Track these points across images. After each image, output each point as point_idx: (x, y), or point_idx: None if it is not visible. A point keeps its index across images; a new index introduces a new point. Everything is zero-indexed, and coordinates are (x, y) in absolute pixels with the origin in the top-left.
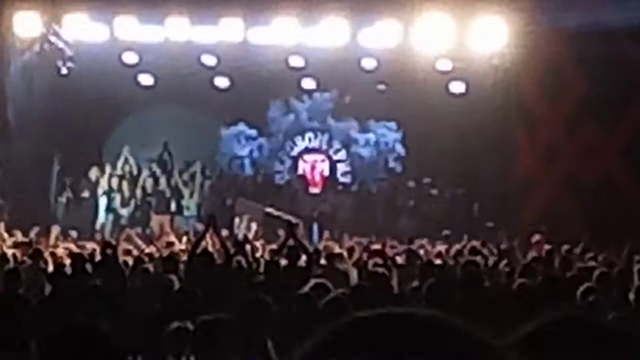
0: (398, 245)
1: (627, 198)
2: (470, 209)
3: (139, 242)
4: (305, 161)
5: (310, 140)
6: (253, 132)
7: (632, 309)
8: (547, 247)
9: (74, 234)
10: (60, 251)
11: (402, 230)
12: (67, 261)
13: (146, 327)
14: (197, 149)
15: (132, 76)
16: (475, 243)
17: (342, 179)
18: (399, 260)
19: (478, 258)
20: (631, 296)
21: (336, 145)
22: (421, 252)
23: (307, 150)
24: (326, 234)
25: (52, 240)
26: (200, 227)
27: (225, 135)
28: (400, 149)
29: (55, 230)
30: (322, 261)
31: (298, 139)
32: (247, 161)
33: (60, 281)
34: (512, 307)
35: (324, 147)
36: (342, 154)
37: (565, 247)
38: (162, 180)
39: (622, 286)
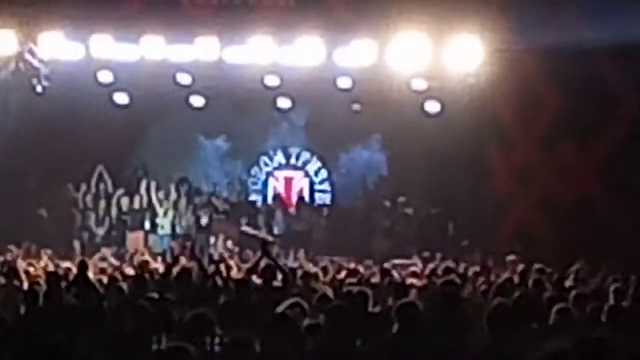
0: (373, 265)
1: (603, 218)
2: (446, 228)
3: (114, 261)
4: (279, 179)
5: (288, 157)
6: (228, 149)
7: (606, 329)
8: (521, 266)
9: (52, 251)
10: (35, 270)
11: (377, 250)
12: (43, 280)
13: (120, 347)
14: (173, 168)
15: (108, 95)
16: (450, 263)
17: (320, 199)
18: (373, 279)
19: (454, 277)
20: (603, 317)
21: (315, 163)
22: (395, 272)
23: (283, 167)
24: (301, 253)
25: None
26: (175, 245)
27: (201, 153)
28: (376, 168)
29: (30, 249)
30: (298, 280)
31: (275, 156)
32: (222, 179)
33: (35, 300)
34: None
35: (301, 164)
36: (322, 173)
37: (539, 266)
38: (137, 199)
39: (597, 306)
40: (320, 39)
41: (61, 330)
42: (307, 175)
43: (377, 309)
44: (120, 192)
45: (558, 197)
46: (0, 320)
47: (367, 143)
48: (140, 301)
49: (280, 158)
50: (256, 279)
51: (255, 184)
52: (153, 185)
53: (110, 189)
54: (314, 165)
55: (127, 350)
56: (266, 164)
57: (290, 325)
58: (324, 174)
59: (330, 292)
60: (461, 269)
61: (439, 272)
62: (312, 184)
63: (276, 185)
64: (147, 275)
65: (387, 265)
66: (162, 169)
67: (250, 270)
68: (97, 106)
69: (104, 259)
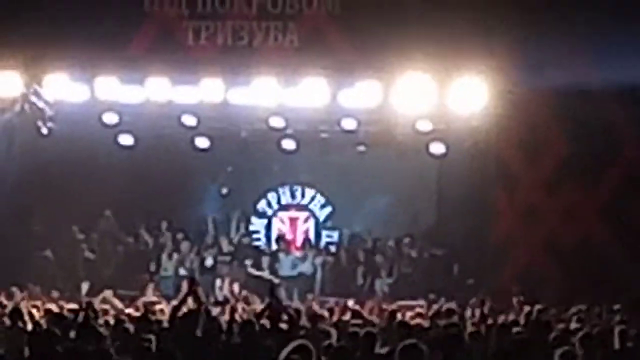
0: (376, 306)
1: (607, 259)
2: (450, 269)
3: (118, 303)
4: (283, 220)
5: (293, 195)
6: (232, 190)
7: None
8: (526, 308)
9: (58, 292)
10: (40, 311)
11: (381, 290)
12: (47, 322)
13: None
14: (177, 209)
15: (113, 136)
16: (452, 305)
17: (326, 237)
18: (377, 320)
19: (456, 319)
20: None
21: (320, 199)
22: (399, 313)
23: (288, 207)
24: (306, 294)
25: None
26: (184, 285)
27: (205, 194)
28: (379, 209)
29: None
30: (303, 321)
31: (279, 195)
32: (226, 221)
33: (39, 342)
34: None
35: (306, 202)
36: (327, 209)
37: (542, 307)
38: (141, 241)
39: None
40: (325, 80)
41: None
42: (312, 214)
43: (383, 350)
44: (126, 232)
45: (562, 238)
46: None
47: (372, 186)
48: (144, 342)
49: (284, 197)
50: (262, 321)
51: (258, 221)
52: (158, 226)
53: (116, 231)
54: (319, 202)
55: None
56: (270, 205)
57: None
58: (328, 209)
59: (335, 334)
60: (467, 312)
61: (442, 313)
62: (317, 223)
63: (280, 226)
64: (151, 317)
65: (392, 306)
66: (167, 210)
67: (259, 313)
68: (102, 147)
69: (106, 301)
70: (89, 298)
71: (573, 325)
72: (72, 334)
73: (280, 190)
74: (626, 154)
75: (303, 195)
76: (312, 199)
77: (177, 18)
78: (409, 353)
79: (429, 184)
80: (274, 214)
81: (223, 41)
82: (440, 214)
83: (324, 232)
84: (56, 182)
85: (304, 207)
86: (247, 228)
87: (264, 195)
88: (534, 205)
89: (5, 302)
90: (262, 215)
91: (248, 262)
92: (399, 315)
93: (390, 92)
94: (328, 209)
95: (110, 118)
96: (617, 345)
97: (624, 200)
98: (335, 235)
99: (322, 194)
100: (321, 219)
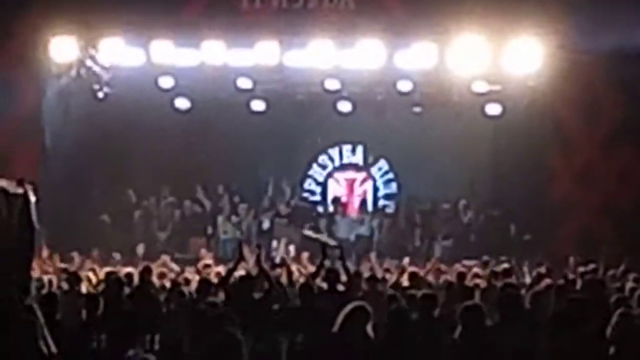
0: (434, 268)
1: None
2: (507, 230)
3: (175, 266)
4: (339, 181)
5: (351, 154)
6: (288, 152)
7: None
8: (582, 269)
9: (115, 256)
10: (97, 276)
11: (438, 252)
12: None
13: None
14: (234, 172)
15: (169, 100)
16: (509, 264)
17: (384, 201)
18: (435, 282)
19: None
20: None
21: (381, 163)
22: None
23: (345, 167)
24: (364, 257)
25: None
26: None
27: (262, 157)
28: (436, 171)
29: (92, 254)
30: (361, 284)
31: (336, 155)
32: (283, 183)
33: (96, 306)
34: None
35: (365, 164)
36: (388, 175)
37: (596, 267)
38: (199, 204)
39: None
40: (380, 42)
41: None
42: (369, 175)
43: (443, 312)
44: (182, 196)
45: (618, 200)
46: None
47: (428, 147)
48: (201, 306)
49: (340, 158)
50: (320, 284)
51: (314, 183)
52: (214, 189)
53: (172, 193)
54: (375, 163)
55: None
56: (325, 166)
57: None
58: (385, 171)
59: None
60: (524, 272)
61: (499, 274)
62: (374, 185)
63: (336, 188)
64: (208, 280)
65: (449, 268)
66: (223, 173)
67: (313, 274)
68: (158, 111)
69: (164, 265)
70: (146, 262)
71: (629, 285)
72: (129, 298)
73: (336, 150)
74: None
75: (359, 156)
76: (369, 160)
77: None
78: (470, 314)
79: (485, 145)
80: (330, 175)
81: (278, 4)
82: (497, 175)
83: (381, 194)
84: (112, 146)
85: (361, 168)
86: (303, 190)
87: (319, 156)
88: (590, 167)
89: (63, 266)
90: (317, 176)
91: (305, 224)
92: (456, 277)
93: (446, 54)
94: (385, 171)
95: (166, 82)
96: None
97: None
98: (392, 197)
99: (379, 155)
100: (378, 180)
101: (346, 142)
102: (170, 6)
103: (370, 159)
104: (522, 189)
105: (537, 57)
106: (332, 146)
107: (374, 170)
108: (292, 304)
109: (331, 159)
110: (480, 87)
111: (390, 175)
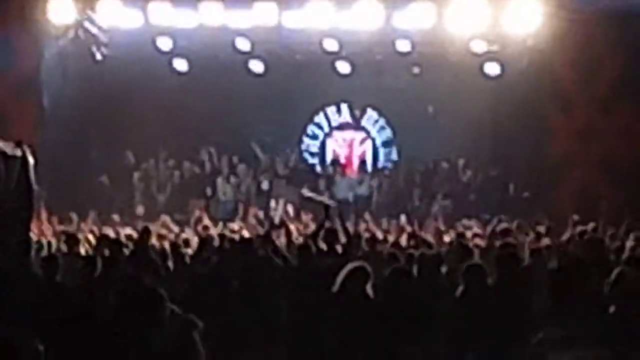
0: (433, 227)
1: None
2: (506, 189)
3: (175, 227)
4: (338, 141)
5: (350, 114)
6: (286, 112)
7: None
8: (581, 228)
9: (114, 218)
10: (96, 237)
11: (437, 212)
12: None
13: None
14: (233, 133)
15: (167, 61)
16: (508, 224)
17: (383, 160)
18: (434, 242)
19: (512, 239)
20: None
21: (379, 120)
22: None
23: (344, 127)
24: (363, 217)
25: (88, 226)
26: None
27: (259, 118)
28: (435, 131)
29: (91, 216)
30: (360, 244)
31: (334, 114)
32: (281, 143)
33: (94, 268)
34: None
35: (363, 123)
36: (386, 133)
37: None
38: (197, 165)
39: None
40: (379, 2)
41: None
42: (368, 135)
43: (443, 271)
44: (181, 157)
45: (618, 158)
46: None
47: (426, 107)
48: (198, 267)
49: (338, 117)
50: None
51: (311, 142)
52: (213, 151)
53: (171, 155)
54: (374, 123)
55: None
56: (323, 126)
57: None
58: (384, 131)
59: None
60: (523, 231)
61: (498, 233)
62: (373, 145)
63: (335, 147)
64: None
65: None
66: (222, 134)
67: (313, 235)
68: (157, 73)
69: (164, 225)
70: (146, 223)
71: (629, 244)
72: (128, 260)
73: (335, 110)
74: None
75: (358, 116)
76: (368, 119)
77: None
78: (472, 273)
79: (484, 105)
80: (329, 135)
81: None
82: (496, 134)
83: (380, 154)
84: (111, 108)
85: (360, 128)
86: (301, 151)
87: (317, 115)
88: (589, 125)
89: (62, 228)
90: (316, 136)
91: (304, 185)
92: (456, 236)
93: (444, 13)
94: (383, 131)
95: (164, 43)
96: None
97: None
98: (391, 157)
99: (378, 115)
100: (377, 140)
101: (345, 102)
102: None
103: (367, 114)
104: (521, 148)
105: (537, 16)
106: (330, 106)
107: (372, 130)
108: (291, 264)
109: (329, 119)
110: (479, 46)
111: (389, 135)
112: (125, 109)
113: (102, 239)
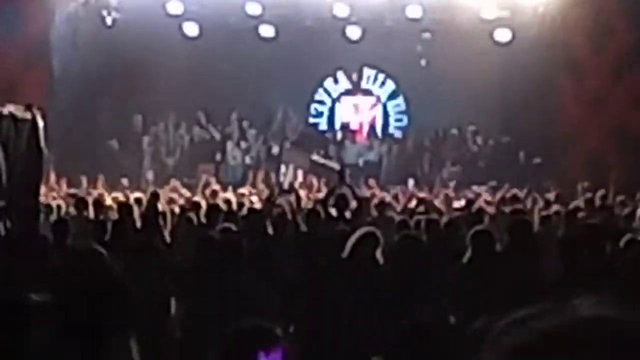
0: (442, 193)
1: None
2: (516, 156)
3: (185, 191)
4: (348, 106)
5: (360, 78)
6: (296, 77)
7: None
8: (591, 194)
9: (123, 182)
10: (106, 201)
11: (446, 178)
12: (114, 211)
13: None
14: (242, 98)
15: (177, 26)
16: (518, 191)
17: (393, 127)
18: (443, 207)
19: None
20: None
21: (386, 86)
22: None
23: (353, 91)
24: (372, 182)
25: (99, 189)
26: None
27: (269, 83)
28: (445, 97)
29: (100, 180)
30: (370, 209)
31: (343, 78)
32: (291, 108)
33: (104, 231)
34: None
35: (373, 87)
36: (397, 99)
37: (606, 194)
38: (207, 129)
39: None
40: None
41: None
42: (378, 100)
43: (451, 237)
44: (191, 122)
45: (629, 126)
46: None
47: (437, 74)
48: (209, 232)
49: (348, 81)
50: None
51: (320, 106)
52: (224, 115)
53: (180, 120)
54: (385, 88)
55: (191, 283)
56: (332, 91)
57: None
58: (394, 96)
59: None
60: (533, 198)
61: (507, 200)
62: (383, 110)
63: (344, 113)
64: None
65: (458, 194)
66: (232, 99)
67: (323, 200)
68: (167, 37)
69: (174, 190)
70: (155, 187)
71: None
72: (138, 223)
73: (343, 75)
74: None
75: (368, 81)
76: (378, 85)
77: None
78: (480, 239)
79: (495, 72)
80: (338, 100)
81: None
82: (506, 101)
83: (390, 120)
84: (121, 72)
85: (370, 93)
86: (310, 115)
87: (327, 80)
88: (600, 93)
89: (72, 191)
90: (325, 101)
91: (313, 150)
92: (465, 203)
93: None
94: (393, 97)
95: (175, 7)
96: None
97: None
98: (401, 123)
99: (388, 81)
100: (387, 106)
101: (355, 68)
102: None
103: (378, 79)
104: (532, 115)
105: None
106: (340, 71)
107: (382, 95)
108: (301, 229)
109: (339, 84)
110: (489, 13)
111: (399, 101)
112: (135, 73)
113: (112, 202)
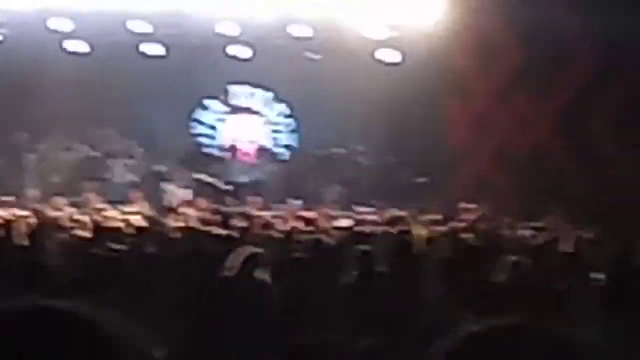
0: (327, 213)
1: (558, 169)
2: (402, 177)
3: (69, 210)
4: (233, 125)
5: (245, 97)
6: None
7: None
8: (476, 216)
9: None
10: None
11: (332, 198)
12: None
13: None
14: (128, 116)
15: (63, 44)
16: (402, 212)
17: (279, 147)
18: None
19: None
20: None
21: (272, 106)
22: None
23: (238, 111)
24: (257, 201)
25: None
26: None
27: (155, 103)
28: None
29: None
30: (254, 229)
31: (228, 98)
32: (179, 127)
33: None
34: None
35: (259, 106)
36: (286, 120)
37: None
38: (93, 147)
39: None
40: None
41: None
42: (264, 119)
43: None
44: (76, 140)
45: (515, 147)
46: None
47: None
48: (95, 251)
49: (235, 99)
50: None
51: (209, 130)
52: (109, 133)
53: (66, 138)
54: (271, 107)
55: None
56: (218, 110)
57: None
58: (281, 116)
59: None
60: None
61: (392, 220)
62: (272, 130)
63: (231, 132)
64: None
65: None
66: (118, 117)
67: (207, 220)
68: (53, 55)
69: (58, 208)
70: (38, 205)
71: (524, 233)
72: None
73: (230, 93)
74: (579, 61)
75: (255, 100)
76: (265, 103)
77: None
78: (364, 259)
79: (382, 93)
80: (225, 119)
81: None
82: (393, 122)
83: (277, 139)
84: (4, 88)
85: (256, 112)
86: (197, 135)
87: (214, 99)
88: (486, 114)
89: None
90: (212, 120)
91: (199, 169)
92: (350, 223)
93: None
94: (281, 116)
95: (59, 24)
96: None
97: (576, 108)
98: (288, 142)
99: (276, 99)
100: (274, 125)
101: (242, 87)
102: None
103: (266, 103)
104: (418, 136)
105: (438, 4)
106: (227, 90)
107: (270, 114)
108: (184, 249)
109: (226, 102)
110: (378, 34)
111: (287, 120)
112: (19, 89)
113: None
